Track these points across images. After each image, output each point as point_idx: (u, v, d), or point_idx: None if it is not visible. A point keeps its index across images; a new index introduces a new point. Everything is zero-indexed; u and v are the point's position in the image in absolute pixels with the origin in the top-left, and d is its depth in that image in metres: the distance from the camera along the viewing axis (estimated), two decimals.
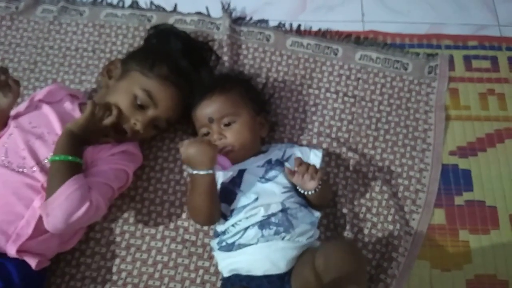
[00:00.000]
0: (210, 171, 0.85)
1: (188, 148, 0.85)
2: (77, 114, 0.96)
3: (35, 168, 0.87)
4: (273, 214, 0.87)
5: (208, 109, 0.95)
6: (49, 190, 0.82)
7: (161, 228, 1.00)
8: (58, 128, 0.92)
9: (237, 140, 0.93)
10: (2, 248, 0.83)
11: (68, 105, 0.98)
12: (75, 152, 0.86)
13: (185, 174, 1.05)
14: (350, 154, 1.07)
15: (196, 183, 0.86)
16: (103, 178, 0.89)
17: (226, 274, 0.90)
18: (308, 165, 0.89)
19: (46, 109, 0.95)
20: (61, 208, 0.80)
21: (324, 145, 1.07)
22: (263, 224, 0.86)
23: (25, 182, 0.86)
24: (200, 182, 0.86)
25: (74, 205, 0.80)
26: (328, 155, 1.07)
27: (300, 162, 0.89)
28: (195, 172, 0.85)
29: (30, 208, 0.84)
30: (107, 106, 0.94)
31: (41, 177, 0.86)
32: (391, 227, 1.00)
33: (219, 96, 0.95)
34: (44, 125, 0.93)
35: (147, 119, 0.96)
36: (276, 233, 0.85)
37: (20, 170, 0.87)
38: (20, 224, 0.83)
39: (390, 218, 1.01)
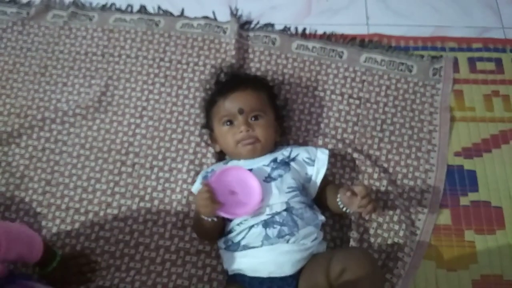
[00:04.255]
0: (214, 219, 0.88)
1: (196, 198, 0.92)
2: None
3: None
4: (277, 213, 0.88)
5: (241, 101, 0.98)
6: None
7: (169, 226, 1.02)
8: None
9: (263, 136, 0.96)
10: None
11: None
12: None
13: (192, 173, 1.07)
14: (355, 155, 1.08)
15: (199, 220, 0.91)
16: None
17: (230, 272, 0.91)
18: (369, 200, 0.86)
19: None
20: None
21: (330, 147, 1.08)
22: (267, 223, 0.87)
23: None
24: (203, 223, 0.90)
25: None
26: (333, 157, 1.08)
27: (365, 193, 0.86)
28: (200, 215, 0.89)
29: None
30: None
31: None
32: (396, 227, 1.00)
33: (253, 91, 1.00)
34: None
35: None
36: (280, 233, 0.86)
37: None
38: None
39: (395, 218, 1.01)
